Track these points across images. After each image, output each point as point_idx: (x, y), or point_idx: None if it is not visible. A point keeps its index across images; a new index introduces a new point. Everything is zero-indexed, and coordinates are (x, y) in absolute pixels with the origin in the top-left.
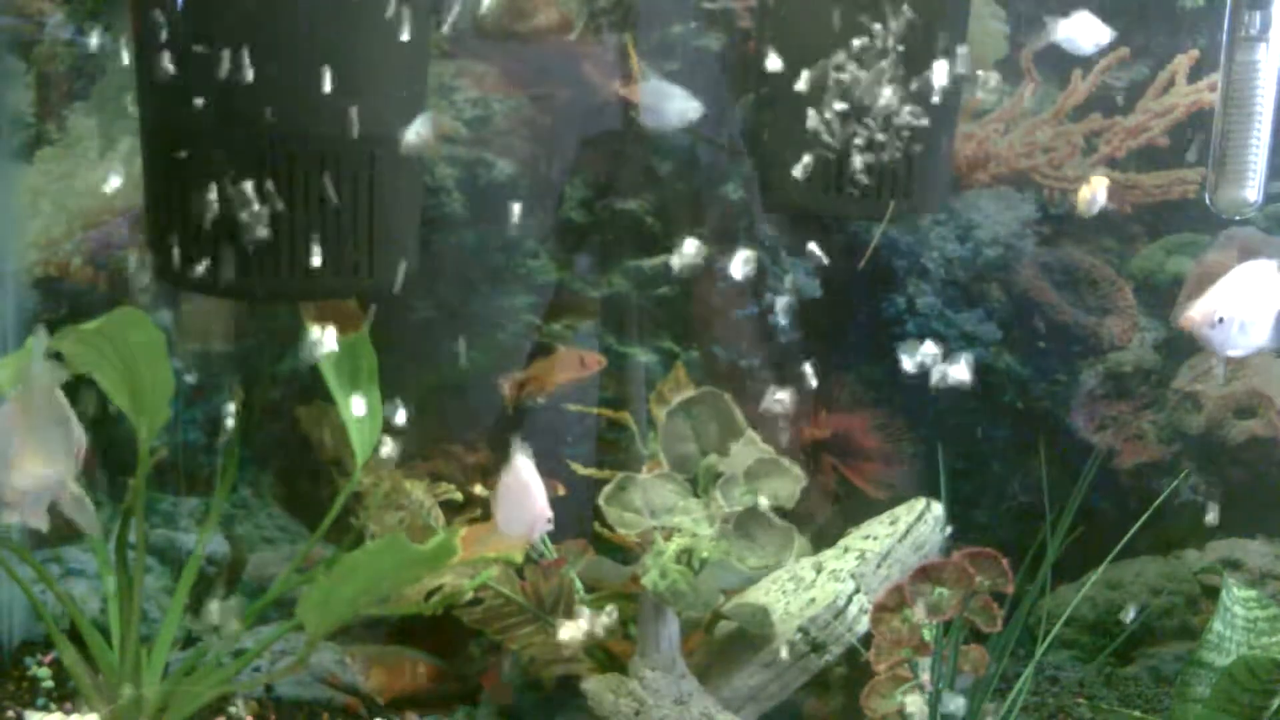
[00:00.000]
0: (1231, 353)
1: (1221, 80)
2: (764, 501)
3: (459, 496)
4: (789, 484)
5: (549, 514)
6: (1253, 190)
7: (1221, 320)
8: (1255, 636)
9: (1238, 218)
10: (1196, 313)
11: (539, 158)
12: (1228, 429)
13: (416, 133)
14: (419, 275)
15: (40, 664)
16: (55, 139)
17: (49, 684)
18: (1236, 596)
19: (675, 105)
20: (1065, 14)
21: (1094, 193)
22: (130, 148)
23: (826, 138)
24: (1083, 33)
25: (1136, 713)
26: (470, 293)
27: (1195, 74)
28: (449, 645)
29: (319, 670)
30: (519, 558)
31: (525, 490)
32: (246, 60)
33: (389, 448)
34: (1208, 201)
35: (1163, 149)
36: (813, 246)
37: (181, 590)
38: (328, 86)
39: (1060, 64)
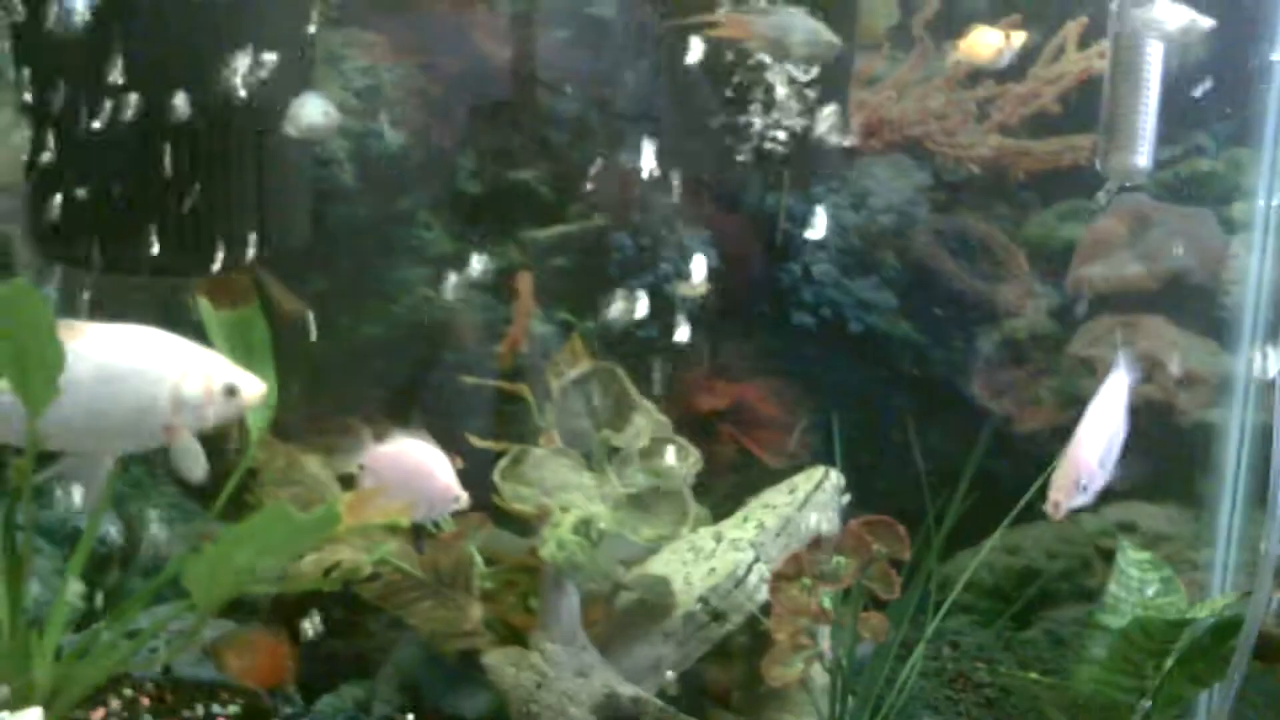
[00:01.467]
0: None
1: (1110, 47)
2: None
3: (356, 471)
4: (685, 463)
5: (455, 492)
6: (1143, 156)
7: (1085, 487)
8: (1150, 598)
9: (1128, 184)
10: (1060, 493)
11: (430, 128)
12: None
13: (316, 118)
14: (311, 248)
15: None
16: None
17: None
18: (1131, 559)
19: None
20: None
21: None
22: (10, 122)
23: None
24: (1169, 15)
25: (1034, 674)
26: (363, 265)
27: (1086, 42)
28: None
29: None
30: (406, 522)
31: (421, 470)
32: (126, 32)
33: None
34: (1099, 168)
35: (1055, 115)
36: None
37: (72, 572)
38: (212, 59)
39: (951, 31)
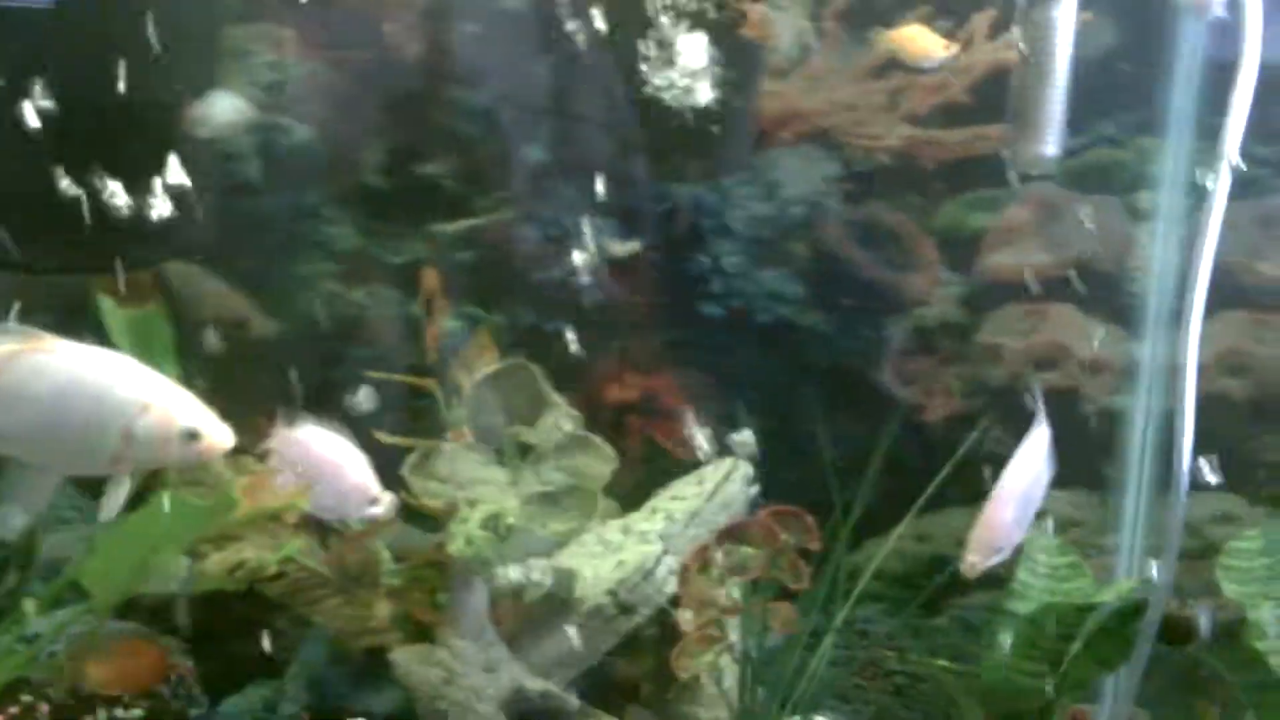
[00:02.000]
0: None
1: (1019, 38)
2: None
3: (261, 468)
4: (600, 462)
5: (372, 492)
6: (1051, 145)
7: (1000, 549)
8: (1057, 583)
9: (1037, 173)
10: (976, 554)
11: (337, 122)
12: (1028, 380)
13: (228, 116)
14: (216, 243)
15: None
16: None
17: None
18: (1039, 545)
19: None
20: None
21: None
22: None
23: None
24: None
25: (943, 662)
26: (269, 260)
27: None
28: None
29: None
30: (304, 504)
31: (332, 462)
32: (20, 25)
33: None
34: (1006, 158)
35: (964, 105)
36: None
37: None
38: (119, 52)
39: (862, 22)
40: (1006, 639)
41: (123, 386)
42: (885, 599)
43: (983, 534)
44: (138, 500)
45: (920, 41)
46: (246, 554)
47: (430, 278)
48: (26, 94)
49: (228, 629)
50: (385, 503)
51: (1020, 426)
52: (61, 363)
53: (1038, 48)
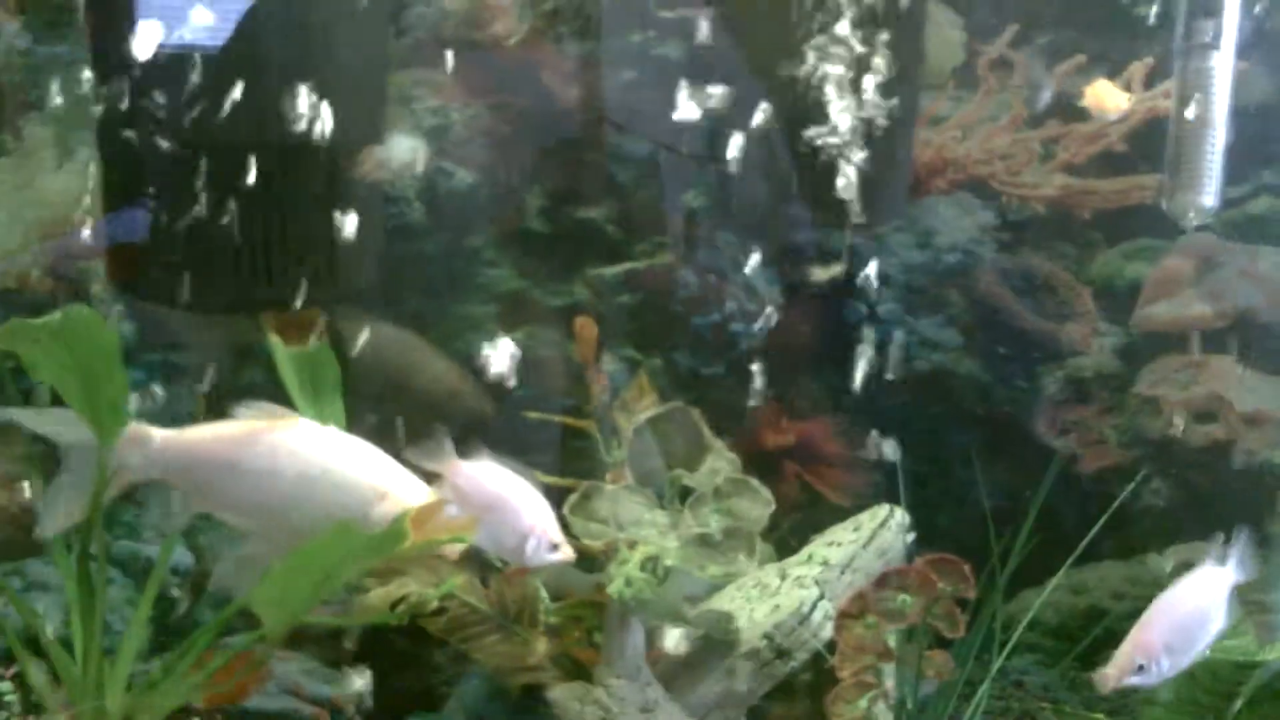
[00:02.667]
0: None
1: (1176, 87)
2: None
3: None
4: (758, 506)
5: (551, 538)
6: (1209, 196)
7: (1143, 668)
8: (1216, 640)
9: (1195, 224)
10: (1115, 669)
11: (498, 166)
12: (1188, 433)
13: (406, 158)
14: (379, 285)
15: (2, 677)
16: (11, 149)
17: (11, 698)
18: None
19: None
20: (1021, 22)
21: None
22: (88, 158)
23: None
24: None
25: (1100, 715)
26: (430, 302)
27: (1152, 81)
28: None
29: (284, 681)
30: (470, 537)
31: (508, 501)
32: (200, 72)
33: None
34: (1164, 208)
35: (1120, 154)
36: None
37: (145, 602)
38: (286, 96)
39: (1014, 72)
40: (1165, 693)
41: (364, 473)
42: (1040, 650)
43: (1127, 649)
44: None
45: (1111, 97)
46: (409, 588)
47: (587, 327)
48: (198, 135)
49: (388, 662)
50: (565, 552)
51: (1177, 479)
52: (305, 444)
53: (1195, 96)
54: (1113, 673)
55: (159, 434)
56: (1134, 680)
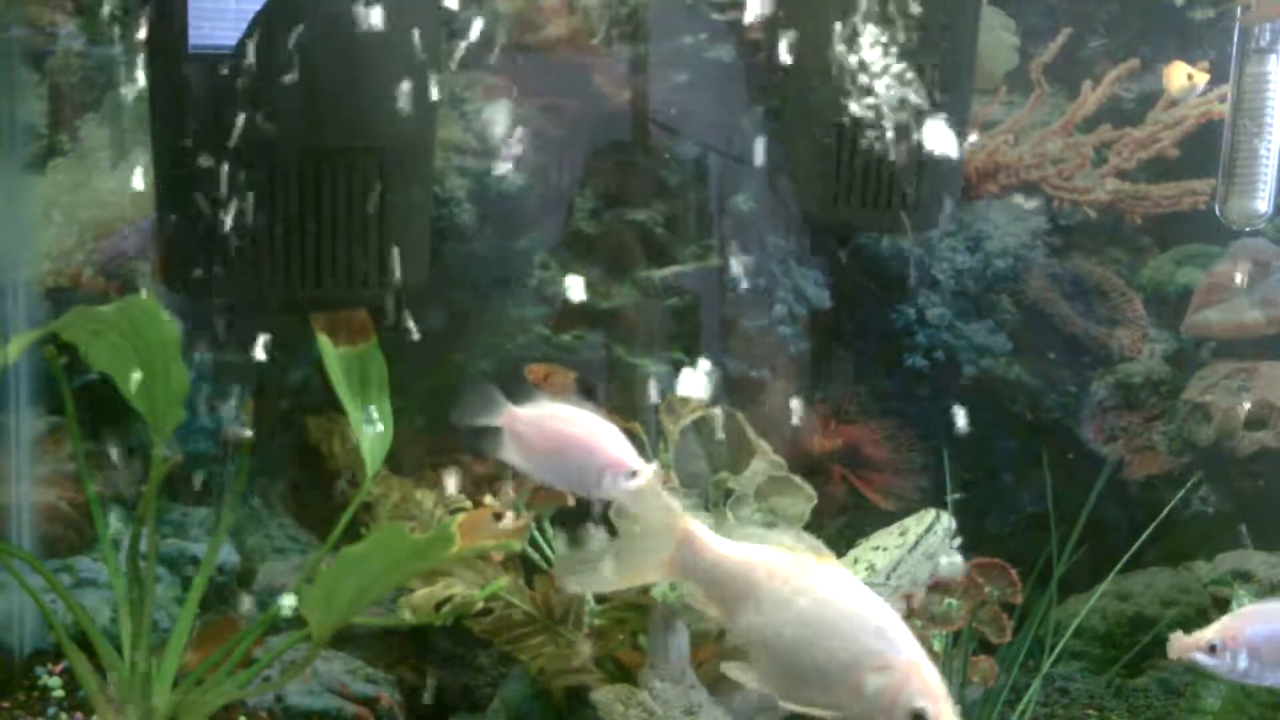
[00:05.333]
0: (1252, 682)
1: (1231, 92)
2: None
3: (469, 506)
4: (800, 502)
5: (630, 464)
6: (1263, 201)
7: (1214, 648)
8: None
9: (1248, 229)
10: (1188, 639)
11: (549, 168)
12: (1238, 440)
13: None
14: (429, 285)
15: (51, 673)
16: (67, 150)
17: (59, 693)
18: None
19: None
20: (1074, 26)
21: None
22: (143, 158)
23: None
24: None
25: None
26: (480, 303)
27: (1206, 86)
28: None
29: (329, 679)
30: (518, 546)
31: (578, 437)
32: (257, 71)
33: None
34: (1217, 213)
35: (1172, 160)
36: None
37: (192, 600)
38: (338, 97)
39: (1069, 76)
40: (1211, 702)
41: (864, 629)
42: (1085, 657)
43: (1210, 627)
44: (353, 534)
45: (1182, 74)
46: (454, 589)
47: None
48: (255, 137)
49: (432, 662)
50: (646, 473)
51: (1228, 487)
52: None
53: (1250, 102)
54: (1188, 641)
55: (712, 551)
56: (1202, 659)
